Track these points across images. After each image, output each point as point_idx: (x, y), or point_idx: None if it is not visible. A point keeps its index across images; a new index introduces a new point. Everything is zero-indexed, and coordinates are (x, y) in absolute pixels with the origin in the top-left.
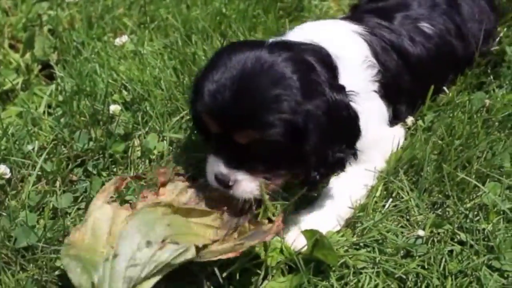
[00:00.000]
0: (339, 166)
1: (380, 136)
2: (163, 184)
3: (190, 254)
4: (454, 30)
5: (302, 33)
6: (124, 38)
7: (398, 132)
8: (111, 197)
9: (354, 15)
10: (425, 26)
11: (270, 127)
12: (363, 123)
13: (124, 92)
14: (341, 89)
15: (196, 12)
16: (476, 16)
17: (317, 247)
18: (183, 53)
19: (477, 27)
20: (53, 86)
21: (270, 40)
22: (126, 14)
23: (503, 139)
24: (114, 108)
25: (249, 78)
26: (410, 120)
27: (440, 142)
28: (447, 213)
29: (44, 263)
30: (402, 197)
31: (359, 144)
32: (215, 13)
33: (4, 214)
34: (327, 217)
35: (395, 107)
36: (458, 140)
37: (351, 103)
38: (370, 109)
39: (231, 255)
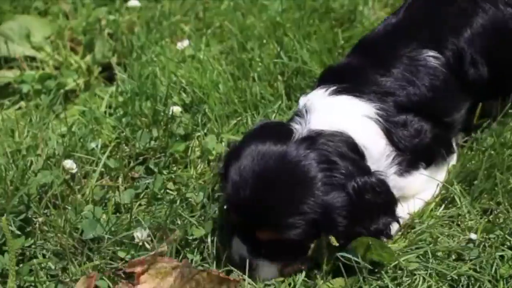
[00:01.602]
0: (380, 235)
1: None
2: (143, 272)
3: None
4: None
5: (328, 110)
6: (186, 43)
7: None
8: None
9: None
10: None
11: (290, 229)
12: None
13: (183, 95)
14: (367, 172)
15: (251, 19)
16: None
17: (371, 250)
18: (240, 58)
19: None
20: (113, 88)
21: (295, 126)
22: (183, 20)
23: None
24: (175, 109)
25: (272, 176)
26: (460, 137)
27: (492, 152)
28: (498, 219)
29: (108, 254)
30: (455, 204)
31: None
32: (270, 21)
33: (69, 208)
34: None
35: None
36: (509, 150)
37: (381, 177)
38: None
39: None
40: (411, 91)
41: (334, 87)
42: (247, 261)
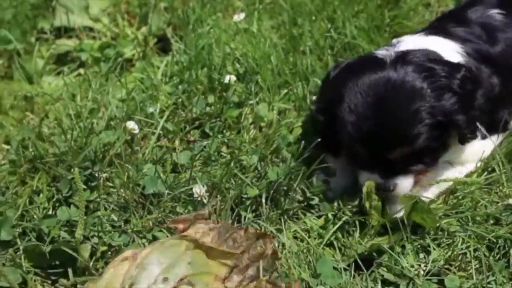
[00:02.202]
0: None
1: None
2: (184, 230)
3: None
4: None
5: (418, 40)
6: (242, 16)
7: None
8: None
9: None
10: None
11: (417, 138)
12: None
13: (237, 65)
14: (459, 68)
15: None
16: None
17: (416, 211)
18: (291, 33)
19: None
20: (168, 57)
21: (381, 53)
22: None
23: None
24: (230, 78)
25: (386, 101)
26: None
27: None
28: None
29: (168, 208)
30: (494, 173)
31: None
32: None
33: (129, 166)
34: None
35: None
36: None
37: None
38: None
39: None
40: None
41: (423, 32)
42: (385, 187)
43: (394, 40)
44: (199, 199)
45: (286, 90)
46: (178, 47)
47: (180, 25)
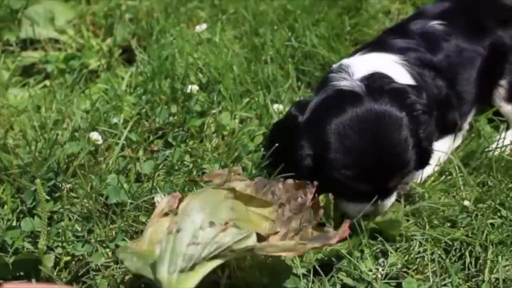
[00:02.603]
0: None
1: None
2: (219, 185)
3: (251, 241)
4: None
5: (367, 61)
6: (204, 26)
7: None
8: (166, 213)
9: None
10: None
11: (410, 162)
12: None
13: (200, 75)
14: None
15: (263, 6)
16: None
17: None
18: (253, 42)
19: None
20: (133, 68)
21: (348, 84)
22: (199, 6)
23: None
24: (193, 88)
25: (379, 135)
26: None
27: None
28: (490, 191)
29: (131, 217)
30: (452, 177)
31: None
32: (281, 8)
33: (93, 176)
34: None
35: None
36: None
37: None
38: None
39: (291, 254)
40: (428, 51)
41: (362, 51)
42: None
43: (341, 65)
44: None
45: (247, 99)
46: (142, 58)
47: (144, 36)
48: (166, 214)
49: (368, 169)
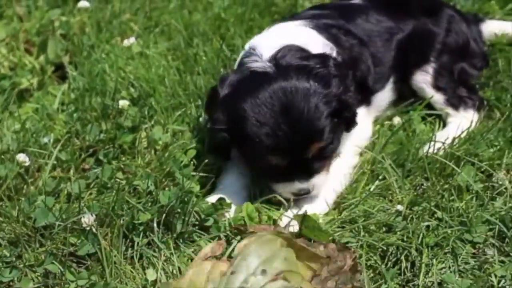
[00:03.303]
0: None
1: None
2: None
3: None
4: None
5: (272, 37)
6: (132, 40)
7: (366, 120)
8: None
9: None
10: None
11: (324, 130)
12: None
13: (132, 89)
14: (327, 57)
15: (197, 17)
16: None
17: (308, 229)
18: (185, 54)
19: None
20: (65, 85)
21: (258, 65)
22: (132, 19)
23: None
24: (123, 103)
25: (290, 107)
26: (396, 120)
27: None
28: (425, 193)
29: (60, 239)
30: (386, 181)
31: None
32: (214, 17)
33: (23, 199)
34: (316, 201)
35: (358, 80)
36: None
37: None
38: None
39: None
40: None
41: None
42: (306, 191)
43: (250, 48)
44: (88, 228)
45: (180, 112)
46: (74, 74)
47: (76, 52)
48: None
49: (281, 140)
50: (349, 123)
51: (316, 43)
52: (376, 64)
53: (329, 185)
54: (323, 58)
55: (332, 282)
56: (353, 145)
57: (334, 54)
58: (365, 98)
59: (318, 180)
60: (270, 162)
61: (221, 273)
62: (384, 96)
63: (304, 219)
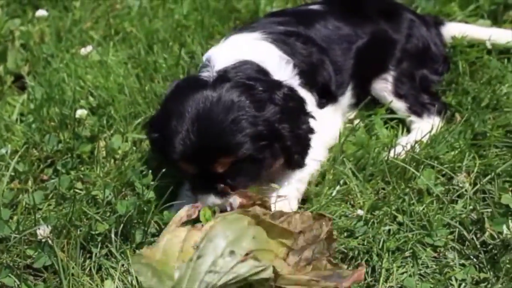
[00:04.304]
0: (310, 134)
1: (318, 119)
2: (243, 206)
3: (267, 274)
4: None
5: (227, 50)
6: (89, 48)
7: (334, 120)
8: (183, 223)
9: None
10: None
11: (239, 147)
12: None
13: (91, 98)
14: (280, 85)
15: (158, 24)
16: None
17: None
18: (145, 61)
19: None
20: (25, 96)
21: (205, 74)
22: (93, 27)
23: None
24: (81, 112)
25: (204, 116)
26: (356, 121)
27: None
28: (386, 197)
29: (16, 252)
30: (347, 185)
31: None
32: (175, 24)
33: None
34: (291, 200)
35: (321, 86)
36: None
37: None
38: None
39: None
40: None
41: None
42: (222, 206)
43: (206, 60)
44: (44, 240)
45: (139, 120)
46: (32, 85)
47: (36, 62)
48: (184, 224)
49: (189, 148)
50: (290, 160)
51: (272, 57)
52: (336, 71)
53: (293, 186)
54: (274, 85)
55: (309, 251)
56: (322, 142)
57: (290, 67)
58: (330, 99)
59: (237, 200)
60: (182, 169)
61: (187, 258)
62: (344, 101)
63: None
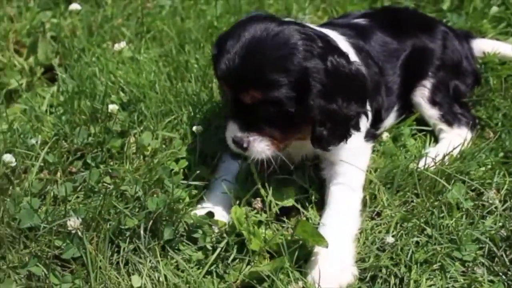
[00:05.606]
0: (349, 123)
1: (360, 147)
2: None
3: None
4: None
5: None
6: (122, 44)
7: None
8: None
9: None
10: None
11: (272, 87)
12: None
13: (122, 94)
14: (343, 54)
15: (189, 24)
16: None
17: (307, 233)
18: (177, 60)
19: None
20: (55, 88)
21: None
22: (124, 24)
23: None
24: (112, 107)
25: (255, 44)
26: (385, 136)
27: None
28: (415, 210)
29: (44, 242)
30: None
31: (341, 152)
32: (207, 25)
33: (8, 199)
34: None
35: (376, 108)
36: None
37: (360, 67)
38: None
39: None
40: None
41: None
42: (240, 140)
43: None
44: (74, 231)
45: (170, 118)
46: (63, 77)
47: (67, 54)
48: None
49: (231, 69)
50: (314, 136)
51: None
52: (387, 94)
53: (343, 243)
54: (334, 49)
55: None
56: (352, 184)
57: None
58: (374, 132)
59: (254, 141)
60: (223, 90)
61: None
62: (387, 123)
63: (300, 223)
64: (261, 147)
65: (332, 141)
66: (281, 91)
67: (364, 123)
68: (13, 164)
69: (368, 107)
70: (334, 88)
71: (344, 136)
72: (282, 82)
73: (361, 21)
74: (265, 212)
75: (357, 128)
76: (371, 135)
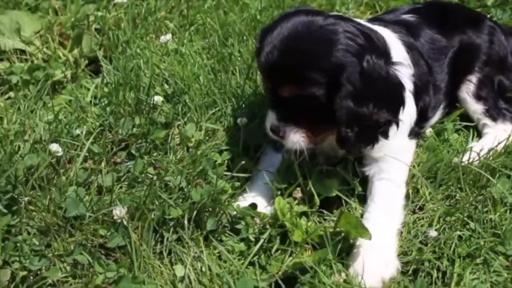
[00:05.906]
0: (377, 130)
1: (403, 145)
2: None
3: None
4: None
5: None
6: (168, 36)
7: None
8: None
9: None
10: None
11: (308, 83)
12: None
13: (166, 86)
14: (384, 54)
15: (232, 17)
16: None
17: (350, 225)
18: (220, 53)
19: None
20: (99, 79)
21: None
22: (167, 17)
23: None
24: (157, 98)
25: (295, 38)
26: (428, 131)
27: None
28: (459, 204)
29: (89, 230)
30: (419, 194)
31: (384, 150)
32: (250, 18)
33: (54, 189)
34: (388, 263)
35: (422, 108)
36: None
37: (398, 74)
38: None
39: None
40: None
41: None
42: (276, 129)
43: None
44: (119, 220)
45: (214, 110)
46: (108, 68)
47: (111, 46)
48: None
49: (269, 64)
50: (339, 136)
51: (398, 52)
52: (434, 92)
53: (387, 236)
54: (375, 48)
55: None
56: (396, 179)
57: (410, 71)
58: (418, 130)
59: (289, 131)
60: (263, 82)
61: None
62: (432, 121)
63: (343, 215)
64: (296, 138)
65: (357, 145)
66: (316, 87)
67: (409, 123)
68: (59, 154)
69: (401, 117)
70: (367, 91)
71: (371, 142)
72: (318, 78)
73: (409, 17)
74: (305, 203)
75: (386, 136)
76: (415, 134)
